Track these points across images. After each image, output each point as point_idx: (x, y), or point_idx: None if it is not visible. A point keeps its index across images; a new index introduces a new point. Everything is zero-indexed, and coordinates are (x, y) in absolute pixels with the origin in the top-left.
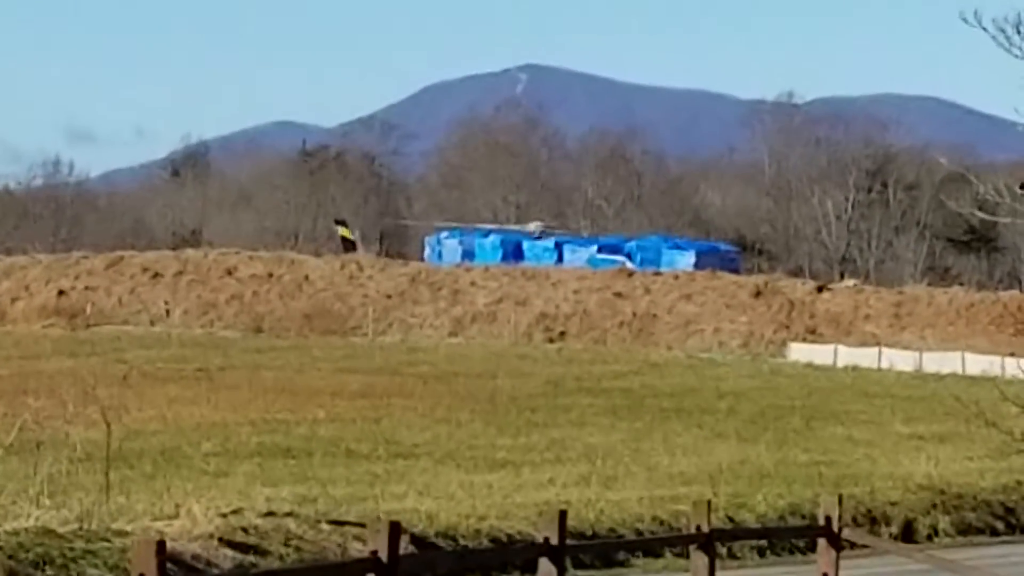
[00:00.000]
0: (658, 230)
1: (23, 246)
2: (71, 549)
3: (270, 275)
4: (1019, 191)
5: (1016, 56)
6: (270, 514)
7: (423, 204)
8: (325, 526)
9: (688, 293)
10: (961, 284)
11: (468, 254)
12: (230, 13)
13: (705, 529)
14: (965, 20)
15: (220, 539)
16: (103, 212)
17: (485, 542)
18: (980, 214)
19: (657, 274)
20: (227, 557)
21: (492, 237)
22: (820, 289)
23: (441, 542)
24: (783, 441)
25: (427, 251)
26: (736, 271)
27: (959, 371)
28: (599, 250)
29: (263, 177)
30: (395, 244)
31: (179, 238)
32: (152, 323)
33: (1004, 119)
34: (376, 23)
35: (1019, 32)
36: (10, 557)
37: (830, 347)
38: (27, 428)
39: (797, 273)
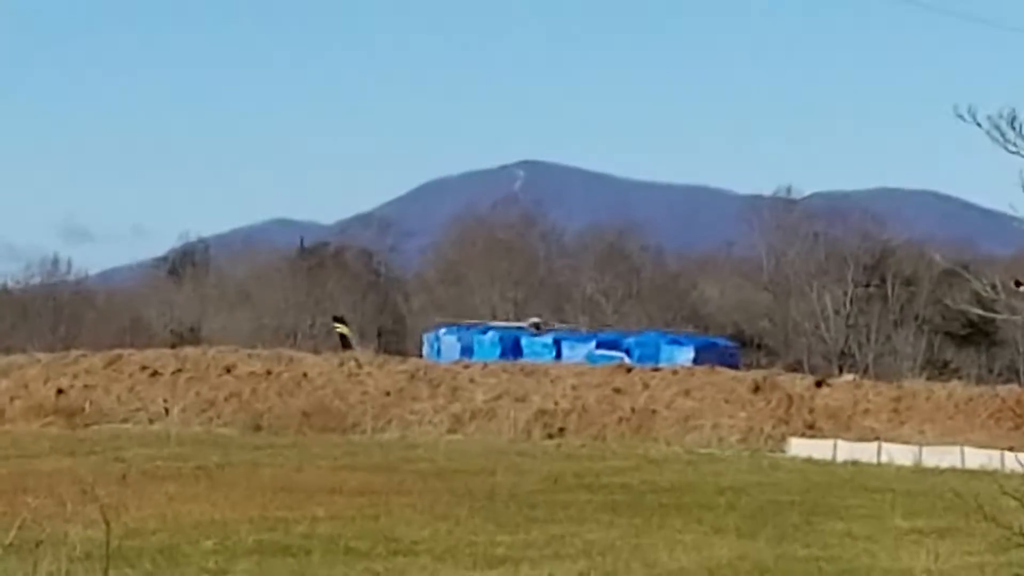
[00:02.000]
0: (657, 325)
1: (21, 345)
2: None
3: (268, 373)
4: (1014, 288)
5: (1011, 152)
6: None
7: (421, 300)
8: None
9: (687, 388)
10: (960, 378)
11: (467, 350)
12: (226, 111)
13: None
14: (961, 117)
15: None
16: (101, 310)
17: None
18: (977, 311)
19: (656, 369)
20: None
21: (491, 333)
22: (819, 384)
23: None
24: (783, 536)
25: (426, 348)
26: (735, 366)
27: (958, 465)
28: (598, 346)
29: (261, 275)
30: (393, 341)
31: (177, 336)
32: (151, 421)
33: (1001, 213)
34: (373, 120)
35: (1014, 128)
36: None
37: (829, 442)
38: (26, 527)
39: (796, 368)
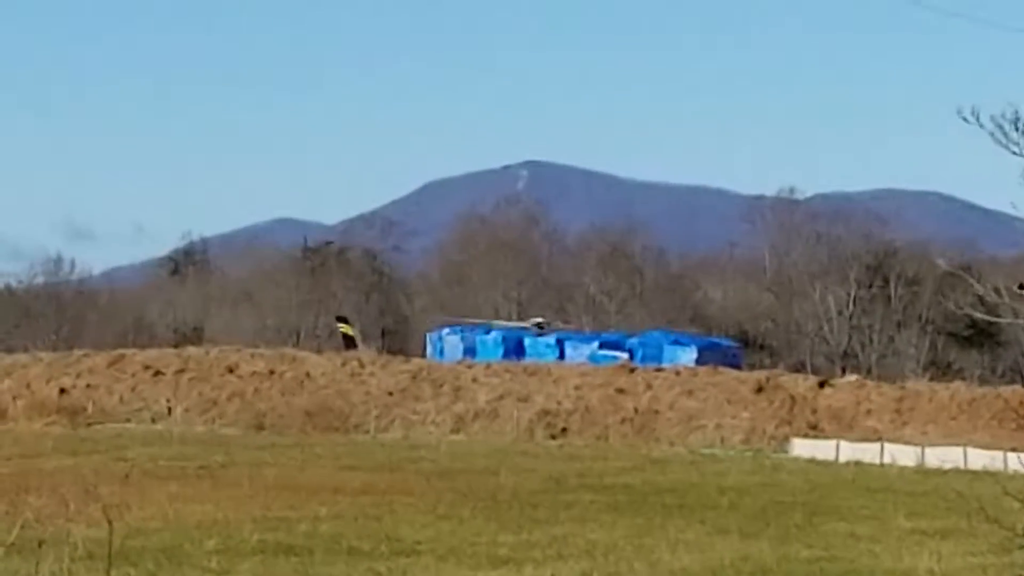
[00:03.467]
0: (659, 326)
1: (24, 344)
2: None
3: (271, 372)
4: (1017, 291)
5: (1014, 152)
6: None
7: (424, 300)
8: None
9: (690, 389)
10: (963, 379)
11: (470, 350)
12: (230, 110)
13: None
14: (964, 118)
15: None
16: (104, 310)
17: None
18: (979, 315)
19: (659, 370)
20: None
21: (494, 333)
22: (822, 384)
23: None
24: (785, 537)
25: (429, 348)
26: (738, 367)
27: (961, 466)
28: (600, 346)
29: (264, 274)
30: (397, 341)
31: (180, 335)
32: (154, 421)
33: (1005, 213)
34: (377, 120)
35: (1017, 128)
36: None
37: (832, 442)
38: (28, 526)
39: (799, 368)
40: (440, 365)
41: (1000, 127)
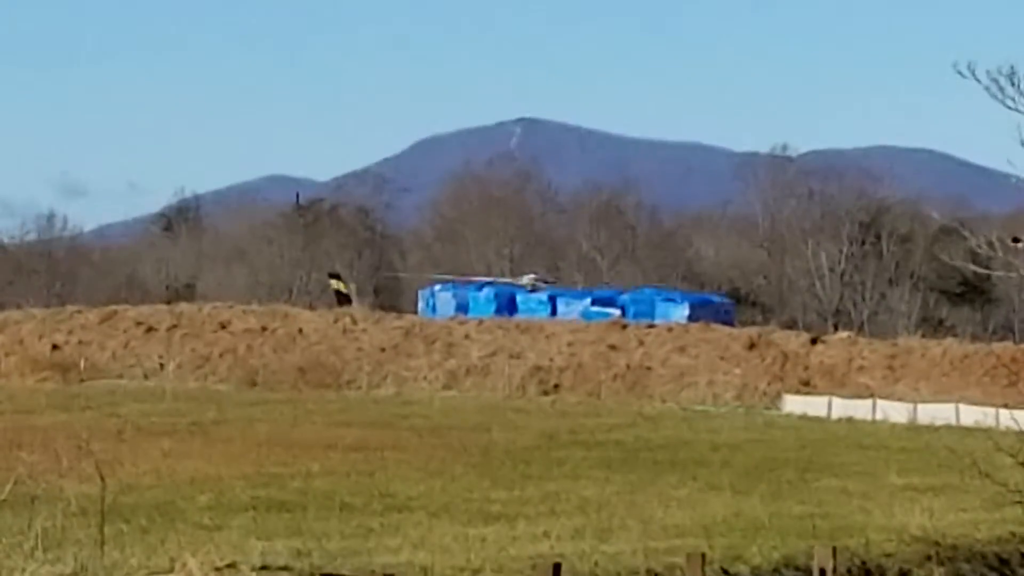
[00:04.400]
0: (652, 283)
1: (16, 300)
2: None
3: (264, 329)
4: (1012, 244)
5: (1009, 107)
6: (265, 568)
7: (417, 257)
8: None
9: (682, 345)
10: (955, 336)
11: (462, 307)
12: (223, 67)
13: None
14: (960, 72)
15: None
16: (97, 266)
17: None
18: (974, 267)
19: (651, 326)
20: None
21: (486, 290)
22: (814, 341)
23: None
24: (777, 493)
25: (421, 304)
26: (730, 323)
27: (953, 422)
28: (593, 303)
29: (256, 231)
30: (389, 297)
31: (173, 292)
32: (146, 377)
33: (997, 171)
34: (370, 77)
35: (1013, 83)
36: None
37: (824, 399)
38: (21, 482)
39: (791, 325)
40: (432, 322)
41: (996, 82)
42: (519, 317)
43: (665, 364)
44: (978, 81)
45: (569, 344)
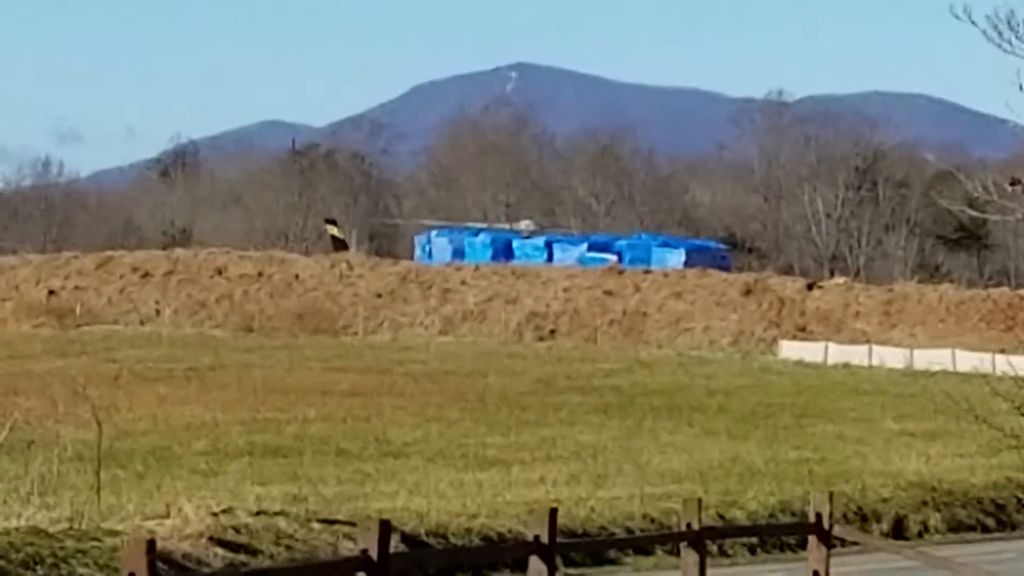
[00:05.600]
0: (648, 228)
1: (13, 246)
2: (62, 548)
3: (260, 275)
4: (1008, 188)
5: (1007, 52)
6: (261, 513)
7: (413, 203)
8: (316, 525)
9: (678, 291)
10: (951, 281)
11: (458, 253)
12: (219, 13)
13: (696, 527)
14: (956, 16)
15: (211, 538)
16: (93, 212)
17: (476, 540)
18: (970, 211)
19: (647, 272)
20: (218, 556)
21: (482, 236)
22: (810, 287)
23: (432, 540)
24: (773, 439)
25: (417, 250)
26: (726, 269)
27: (949, 368)
28: (589, 249)
29: (253, 177)
30: (385, 243)
31: (169, 238)
32: (142, 323)
33: (994, 116)
34: (365, 22)
35: (1011, 27)
36: (0, 557)
37: (820, 345)
38: (17, 428)
39: (787, 271)
40: (428, 268)
41: (994, 25)
42: (515, 263)
43: (661, 310)
44: (975, 25)
45: (565, 290)
